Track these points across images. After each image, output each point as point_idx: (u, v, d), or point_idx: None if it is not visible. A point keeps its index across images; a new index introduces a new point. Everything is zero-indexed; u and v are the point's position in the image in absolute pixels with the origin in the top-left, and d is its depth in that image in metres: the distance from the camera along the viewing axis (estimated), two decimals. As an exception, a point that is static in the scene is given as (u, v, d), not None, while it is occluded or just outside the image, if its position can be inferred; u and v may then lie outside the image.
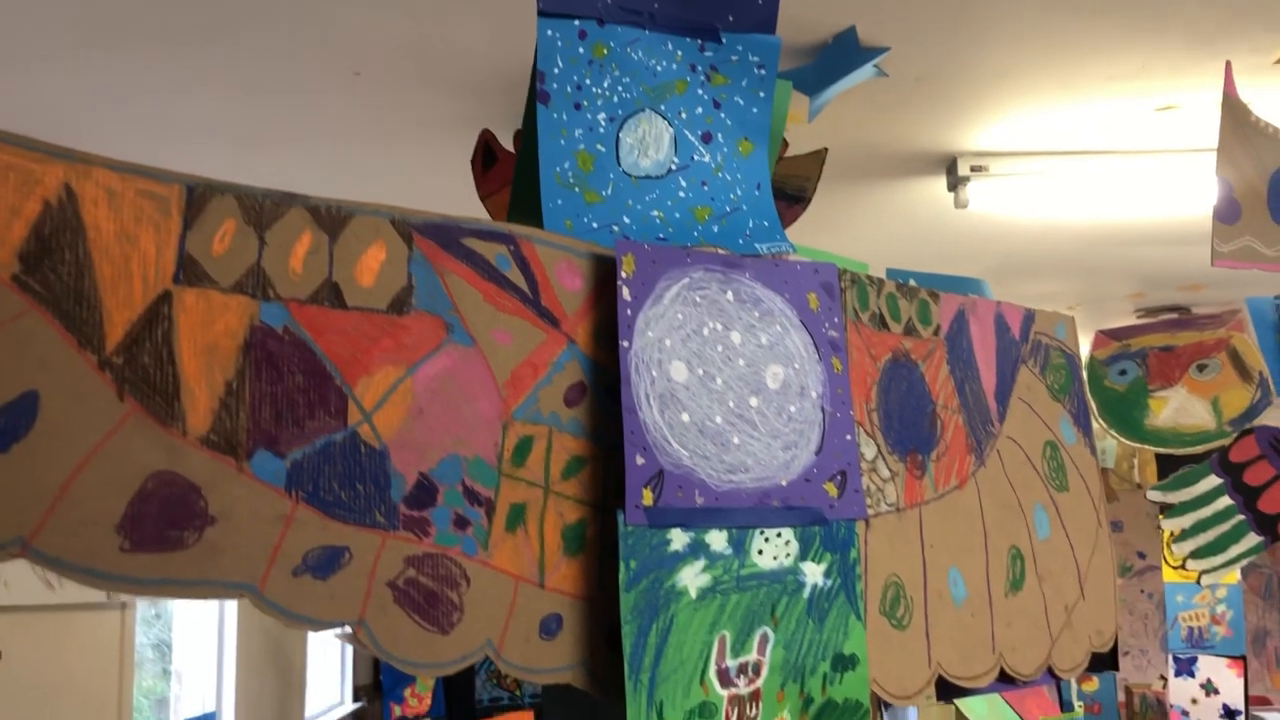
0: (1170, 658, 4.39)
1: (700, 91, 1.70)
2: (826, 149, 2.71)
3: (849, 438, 1.63)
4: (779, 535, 1.53)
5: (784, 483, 1.55)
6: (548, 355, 1.44)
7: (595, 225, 1.58)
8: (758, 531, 1.52)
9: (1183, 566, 2.92)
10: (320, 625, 1.24)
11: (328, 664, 7.05)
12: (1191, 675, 4.36)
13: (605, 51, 1.62)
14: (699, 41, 1.70)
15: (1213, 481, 2.86)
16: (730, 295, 1.57)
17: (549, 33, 1.58)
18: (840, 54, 2.79)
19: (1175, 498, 2.86)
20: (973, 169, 3.59)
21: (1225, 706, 4.27)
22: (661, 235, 1.62)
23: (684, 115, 1.68)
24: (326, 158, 3.63)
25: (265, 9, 2.66)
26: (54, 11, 2.67)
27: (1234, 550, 2.85)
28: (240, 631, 5.35)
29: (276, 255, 1.25)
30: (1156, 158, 3.62)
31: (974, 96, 3.24)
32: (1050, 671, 1.93)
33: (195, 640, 5.23)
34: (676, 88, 1.67)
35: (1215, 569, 2.89)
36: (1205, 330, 3.35)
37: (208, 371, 1.19)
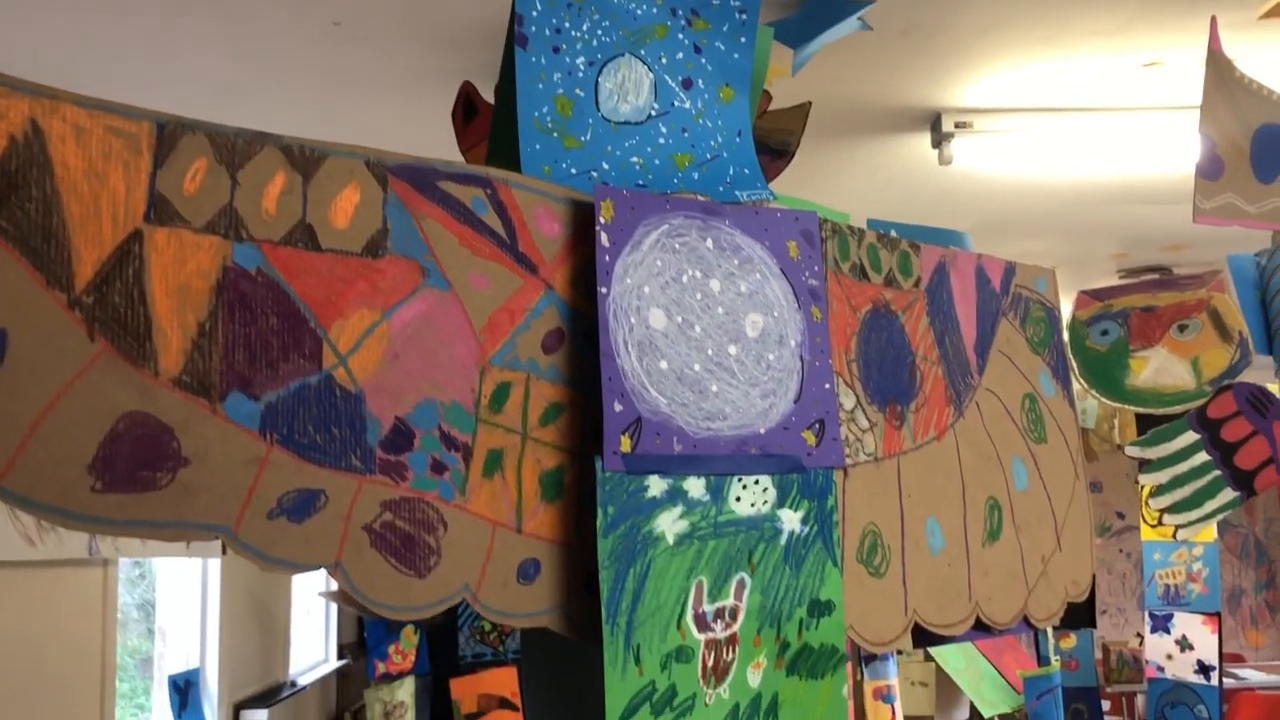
0: (1146, 615, 4.44)
1: (681, 36, 1.68)
2: (810, 103, 2.69)
3: (827, 386, 1.63)
4: (756, 482, 1.54)
5: (762, 431, 1.55)
6: (525, 301, 1.43)
7: (574, 171, 1.56)
8: (735, 478, 1.52)
9: (1160, 522, 2.94)
10: (297, 568, 1.24)
11: (312, 622, 7.07)
12: (1167, 632, 4.41)
13: (585, -5, 1.60)
14: (680, -14, 1.68)
15: (1190, 437, 2.88)
16: (710, 242, 1.56)
17: (527, -25, 1.56)
18: (824, 6, 2.76)
19: (1153, 453, 2.88)
20: (957, 125, 3.57)
21: (1200, 662, 4.33)
22: (641, 182, 1.61)
23: (664, 60, 1.66)
24: (306, 110, 3.59)
25: (241, -44, 2.62)
26: (25, -43, 2.62)
27: (1210, 505, 2.87)
28: (224, 590, 5.35)
29: (249, 195, 1.23)
30: (1141, 115, 3.61)
31: (959, 51, 3.22)
32: (1026, 621, 1.95)
33: (179, 598, 5.24)
34: (656, 32, 1.65)
35: (1191, 524, 2.91)
36: (1186, 291, 3.36)
37: (180, 312, 1.17)
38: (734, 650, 1.49)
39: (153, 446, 1.14)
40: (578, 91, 1.60)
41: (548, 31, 1.57)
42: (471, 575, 1.35)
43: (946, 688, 6.00)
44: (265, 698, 5.72)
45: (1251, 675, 7.34)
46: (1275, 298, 2.95)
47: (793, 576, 1.55)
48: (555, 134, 1.57)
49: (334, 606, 7.17)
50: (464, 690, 4.27)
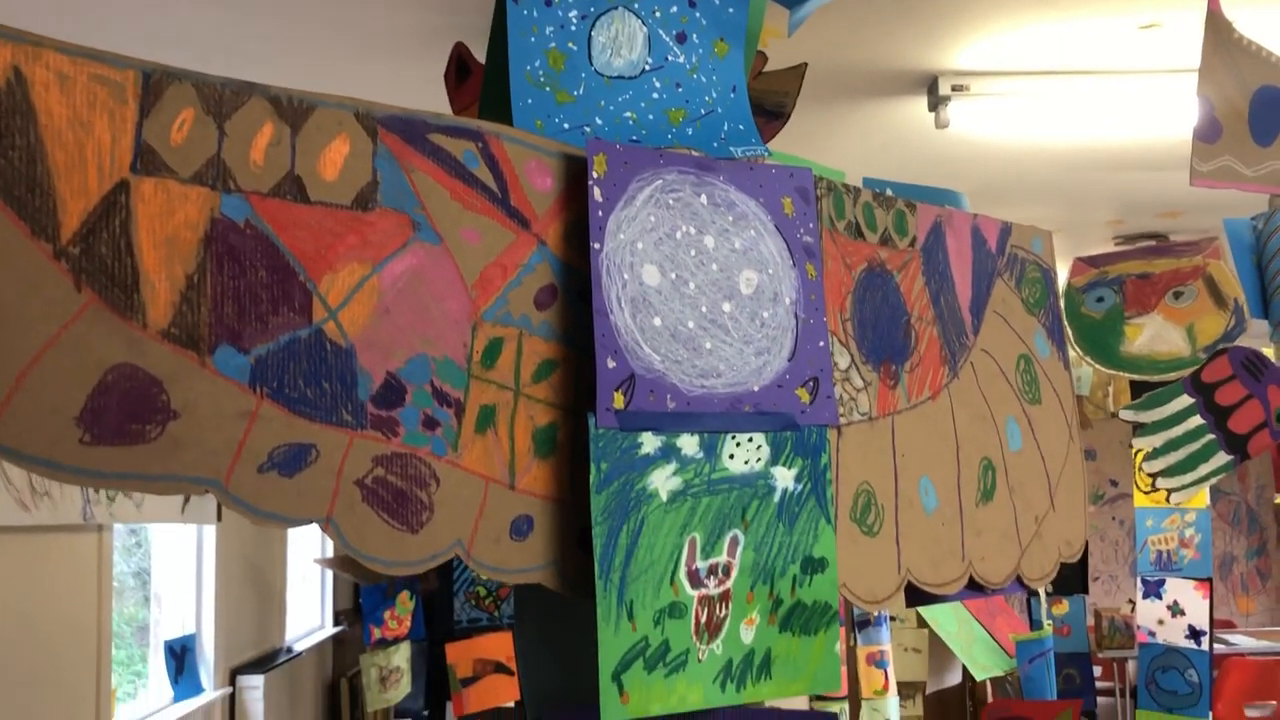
0: (1139, 580, 4.46)
1: (674, -11, 1.66)
2: (806, 64, 2.67)
3: (822, 344, 1.62)
4: (750, 440, 1.53)
5: (756, 388, 1.55)
6: (517, 256, 1.42)
7: (566, 126, 1.55)
8: (729, 436, 1.51)
9: (1153, 487, 2.95)
10: (288, 522, 1.23)
11: (308, 588, 7.10)
12: (1159, 597, 4.42)
13: (577, -53, 1.58)
14: (674, -61, 1.66)
15: (1184, 401, 2.88)
16: (704, 198, 1.55)
17: (519, -74, 1.54)
18: (821, -35, 2.73)
19: (1147, 417, 2.88)
20: (954, 88, 3.55)
21: (1191, 628, 4.35)
22: (634, 137, 1.60)
23: (658, 14, 1.64)
24: (297, 70, 3.56)
25: (230, -88, 2.58)
26: (11, -87, 2.58)
27: (1204, 469, 2.88)
28: (220, 556, 5.36)
29: (237, 146, 1.21)
30: (1139, 78, 3.59)
31: (956, 13, 3.19)
32: (1019, 580, 1.96)
33: (175, 565, 5.24)
34: (650, -15, 1.63)
35: (1185, 487, 2.91)
36: (1182, 257, 3.35)
37: (168, 264, 1.16)
38: (727, 607, 1.49)
39: (141, 399, 1.13)
40: (570, 45, 1.58)
41: (540, -17, 1.55)
42: (464, 531, 1.35)
43: (939, 653, 6.03)
44: (261, 663, 5.75)
45: (1242, 641, 7.39)
46: (1271, 262, 2.94)
47: (786, 534, 1.54)
48: (547, 88, 1.55)
49: (330, 573, 7.19)
50: (459, 655, 4.28)
